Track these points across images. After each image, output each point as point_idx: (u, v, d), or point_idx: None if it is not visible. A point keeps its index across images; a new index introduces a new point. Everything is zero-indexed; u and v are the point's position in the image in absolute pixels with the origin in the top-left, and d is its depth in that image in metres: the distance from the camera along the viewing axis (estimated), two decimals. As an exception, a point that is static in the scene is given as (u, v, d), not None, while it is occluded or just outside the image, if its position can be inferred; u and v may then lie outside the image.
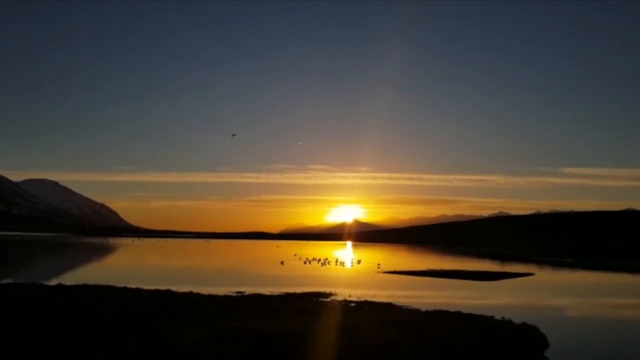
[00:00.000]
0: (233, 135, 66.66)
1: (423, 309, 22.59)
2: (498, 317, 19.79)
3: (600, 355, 19.05)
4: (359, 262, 73.37)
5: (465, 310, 21.54)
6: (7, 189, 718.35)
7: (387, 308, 22.95)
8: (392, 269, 57.14)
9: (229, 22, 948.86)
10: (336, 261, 72.92)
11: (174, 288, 28.33)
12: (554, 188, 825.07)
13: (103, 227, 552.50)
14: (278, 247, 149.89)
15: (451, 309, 22.04)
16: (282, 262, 69.02)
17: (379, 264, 66.67)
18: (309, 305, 22.86)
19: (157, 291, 26.85)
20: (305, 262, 69.97)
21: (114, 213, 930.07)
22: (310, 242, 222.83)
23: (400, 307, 23.93)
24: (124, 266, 64.44)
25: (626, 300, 36.70)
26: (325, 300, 27.98)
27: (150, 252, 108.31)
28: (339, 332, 15.48)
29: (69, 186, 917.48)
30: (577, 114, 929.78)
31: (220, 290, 30.23)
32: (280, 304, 22.84)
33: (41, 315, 17.29)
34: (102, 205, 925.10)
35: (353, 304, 24.67)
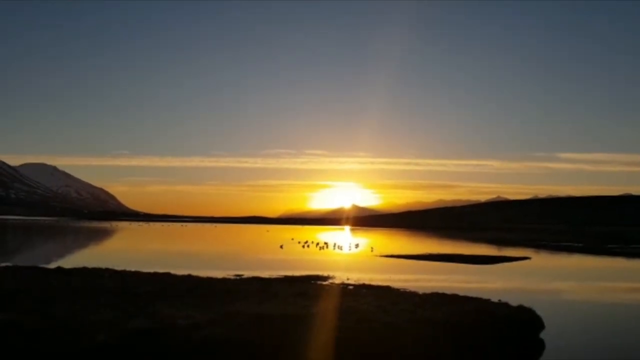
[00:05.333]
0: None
1: (420, 291, 22.77)
2: (494, 299, 19.96)
3: (596, 338, 19.29)
4: (356, 246, 73.68)
5: (462, 293, 21.71)
6: (6, 173, 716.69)
7: (384, 291, 23.10)
8: (389, 253, 57.41)
9: (228, 8, 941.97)
10: (334, 245, 73.21)
11: (173, 271, 28.48)
12: (551, 173, 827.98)
13: (101, 211, 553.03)
14: (268, 231, 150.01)
15: (448, 292, 22.22)
16: (281, 246, 69.30)
17: (372, 248, 67.14)
18: (307, 288, 23.01)
19: (156, 274, 27.00)
20: (303, 246, 70.26)
21: (113, 197, 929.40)
22: (308, 227, 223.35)
23: (397, 289, 24.09)
24: (125, 249, 64.69)
25: (622, 284, 37.00)
26: (324, 283, 28.18)
27: (154, 236, 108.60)
28: (337, 314, 15.62)
29: (67, 170, 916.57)
30: (574, 99, 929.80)
31: (219, 274, 30.40)
32: (279, 286, 22.98)
33: (40, 297, 17.40)
34: (101, 189, 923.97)
35: (351, 287, 24.84)
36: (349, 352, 13.70)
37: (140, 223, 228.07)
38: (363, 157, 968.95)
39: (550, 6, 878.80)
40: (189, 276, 26.54)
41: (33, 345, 12.38)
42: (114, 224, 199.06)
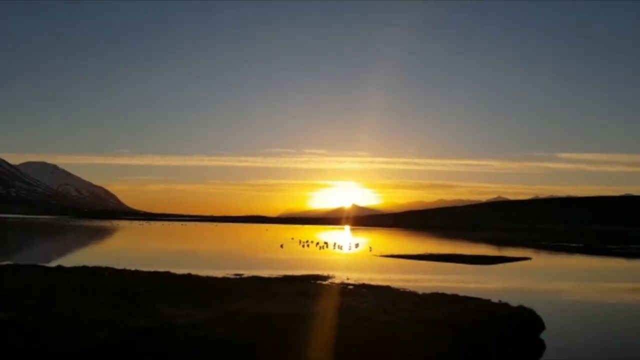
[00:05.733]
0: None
1: (420, 291, 22.74)
2: (495, 300, 19.92)
3: (597, 338, 19.27)
4: (356, 245, 73.64)
5: (462, 293, 21.67)
6: (6, 171, 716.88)
7: (384, 290, 23.09)
8: (390, 253, 57.36)
9: (228, 8, 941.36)
10: (334, 245, 73.19)
11: (173, 270, 28.46)
12: (551, 173, 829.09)
13: (101, 210, 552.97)
14: (267, 230, 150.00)
15: (448, 292, 22.18)
16: (281, 246, 69.29)
17: (370, 247, 67.13)
18: (307, 287, 22.98)
19: (155, 273, 26.97)
20: (303, 246, 70.27)
21: (113, 196, 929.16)
22: (308, 226, 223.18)
23: (397, 289, 24.08)
24: (125, 248, 64.66)
25: (623, 285, 36.95)
26: (324, 282, 28.17)
27: (154, 235, 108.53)
28: (337, 314, 15.59)
29: (68, 169, 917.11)
30: (574, 99, 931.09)
31: (218, 273, 30.40)
32: (279, 286, 22.96)
33: (40, 296, 17.38)
34: (101, 188, 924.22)
35: (351, 287, 24.82)
36: (349, 351, 13.68)
37: (142, 222, 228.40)
38: (363, 156, 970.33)
39: (550, 6, 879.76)
40: (189, 275, 26.52)
41: (33, 344, 12.35)
42: (115, 222, 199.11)
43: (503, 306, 18.64)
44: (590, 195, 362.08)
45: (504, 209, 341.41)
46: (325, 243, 76.02)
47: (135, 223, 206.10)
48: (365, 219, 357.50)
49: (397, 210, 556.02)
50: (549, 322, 18.15)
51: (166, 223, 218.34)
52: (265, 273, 32.05)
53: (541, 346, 16.81)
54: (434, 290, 23.14)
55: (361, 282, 28.23)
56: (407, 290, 23.83)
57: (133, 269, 28.92)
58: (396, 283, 28.10)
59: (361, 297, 20.01)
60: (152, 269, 28.83)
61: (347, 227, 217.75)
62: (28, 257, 45.37)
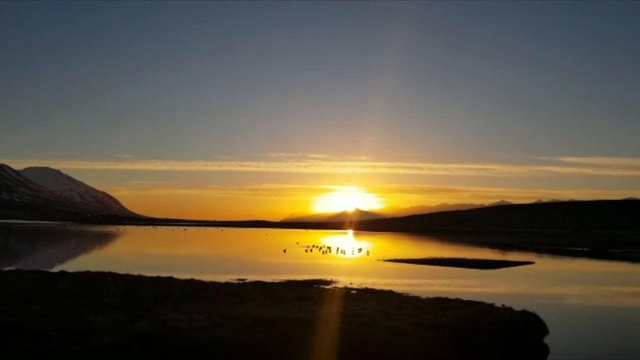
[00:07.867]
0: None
1: (423, 296, 22.74)
2: (498, 304, 19.94)
3: (600, 343, 19.25)
4: (359, 250, 73.61)
5: (465, 298, 21.70)
6: (10, 177, 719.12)
7: (387, 295, 23.10)
8: (393, 257, 57.29)
9: (229, 11, 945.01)
10: (337, 249, 73.17)
11: (176, 275, 28.53)
12: (554, 177, 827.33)
13: (105, 215, 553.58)
14: (266, 235, 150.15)
15: (451, 296, 22.18)
16: (284, 250, 69.32)
17: (368, 252, 67.09)
18: (310, 292, 23.03)
19: (159, 278, 27.05)
20: (306, 250, 70.29)
21: (116, 201, 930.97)
22: (311, 231, 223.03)
23: (400, 294, 24.06)
24: (129, 253, 64.74)
25: (626, 289, 36.86)
26: (327, 287, 28.18)
27: (160, 239, 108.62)
28: (340, 318, 15.63)
29: (71, 174, 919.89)
30: (577, 103, 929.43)
31: (222, 278, 30.45)
32: (282, 290, 23.02)
33: (45, 300, 17.47)
34: (104, 193, 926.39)
35: (354, 291, 24.85)
36: (352, 355, 13.71)
37: (148, 227, 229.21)
38: (365, 161, 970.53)
39: (552, 7, 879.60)
40: (192, 280, 26.59)
41: (39, 347, 12.45)
42: (121, 228, 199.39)
43: (507, 310, 18.64)
44: (593, 199, 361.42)
45: (507, 213, 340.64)
46: (328, 248, 76.02)
47: (141, 228, 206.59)
48: (368, 224, 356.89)
49: (400, 214, 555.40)
50: (552, 326, 18.15)
51: (171, 228, 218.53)
52: (268, 278, 32.10)
53: (545, 351, 16.81)
54: (438, 295, 23.13)
55: (364, 286, 28.22)
56: (410, 295, 23.81)
57: (137, 273, 29.01)
58: (399, 288, 28.09)
59: (364, 301, 20.03)
60: (155, 274, 28.92)
61: (350, 232, 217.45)
62: (33, 262, 45.51)
